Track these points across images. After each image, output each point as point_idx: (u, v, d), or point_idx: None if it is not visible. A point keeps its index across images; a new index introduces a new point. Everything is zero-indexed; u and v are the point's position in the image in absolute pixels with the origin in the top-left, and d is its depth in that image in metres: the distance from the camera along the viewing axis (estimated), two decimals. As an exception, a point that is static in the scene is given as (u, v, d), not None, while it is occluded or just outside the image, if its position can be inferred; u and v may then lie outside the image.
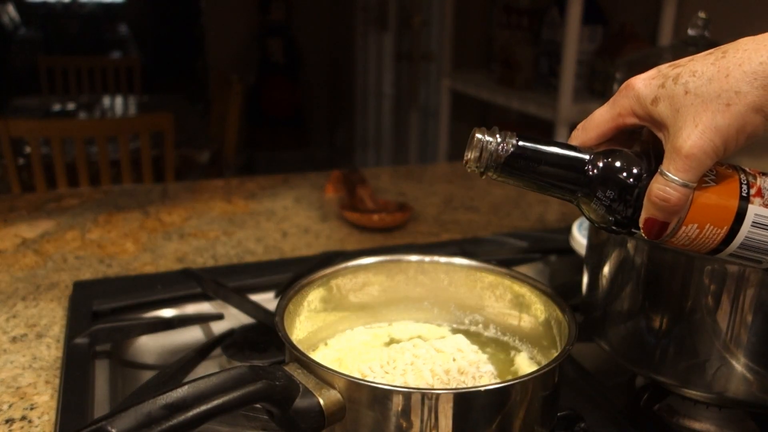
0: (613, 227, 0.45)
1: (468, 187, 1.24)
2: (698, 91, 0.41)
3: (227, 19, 4.61)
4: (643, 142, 0.46)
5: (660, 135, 0.43)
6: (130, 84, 3.55)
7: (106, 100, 3.30)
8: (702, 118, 0.40)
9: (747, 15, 1.65)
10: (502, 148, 0.44)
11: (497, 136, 0.44)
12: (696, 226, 0.43)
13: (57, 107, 2.94)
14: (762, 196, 0.43)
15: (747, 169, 0.45)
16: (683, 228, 0.43)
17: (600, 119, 0.46)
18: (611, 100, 0.46)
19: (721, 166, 0.44)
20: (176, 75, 5.23)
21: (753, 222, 0.43)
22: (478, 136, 0.44)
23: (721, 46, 0.42)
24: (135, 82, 3.54)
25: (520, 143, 0.44)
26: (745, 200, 0.43)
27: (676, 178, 0.41)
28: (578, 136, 0.47)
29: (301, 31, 4.73)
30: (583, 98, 1.94)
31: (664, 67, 0.43)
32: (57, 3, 6.30)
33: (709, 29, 0.85)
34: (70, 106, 2.99)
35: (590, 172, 0.44)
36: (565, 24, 1.83)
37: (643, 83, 0.44)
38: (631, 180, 0.43)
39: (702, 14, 0.85)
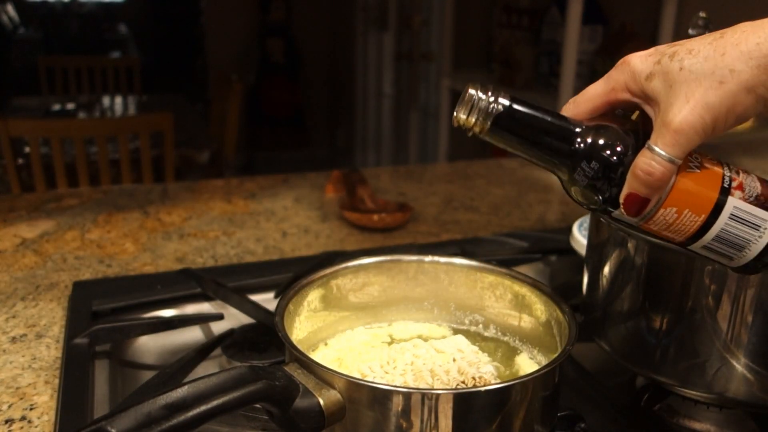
0: (593, 203, 0.45)
1: (468, 187, 1.24)
2: (693, 68, 0.41)
3: (227, 19, 4.61)
4: (633, 122, 0.45)
5: (650, 111, 0.44)
6: (130, 84, 3.55)
7: (106, 100, 3.30)
8: (694, 94, 0.41)
9: (747, 15, 1.64)
10: (493, 107, 0.44)
11: (490, 94, 0.44)
12: (675, 210, 0.43)
13: (56, 107, 2.94)
14: (743, 191, 0.43)
15: (731, 165, 0.45)
16: (662, 210, 0.43)
17: (593, 93, 0.46)
18: (606, 75, 0.46)
19: (707, 157, 0.44)
20: (176, 75, 5.23)
21: (731, 214, 0.43)
22: (471, 91, 0.44)
23: (721, 30, 0.42)
24: (135, 82, 3.54)
25: (512, 105, 0.44)
26: (726, 191, 0.43)
27: (663, 153, 0.41)
28: (569, 110, 0.47)
29: (301, 31, 4.73)
30: (583, 98, 1.94)
31: (662, 47, 0.44)
32: (57, 3, 6.30)
33: (709, 29, 0.85)
34: (70, 105, 2.99)
35: (577, 144, 0.44)
36: (565, 24, 1.83)
37: (639, 59, 0.44)
38: (617, 155, 0.43)
39: (702, 14, 0.85)
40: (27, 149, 2.05)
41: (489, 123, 0.44)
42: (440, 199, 1.16)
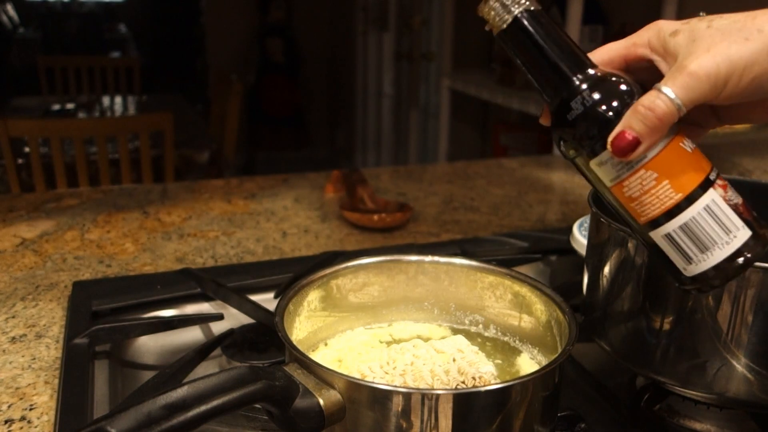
0: (576, 141, 0.43)
1: (468, 187, 1.24)
2: (721, 26, 0.41)
3: (227, 19, 4.62)
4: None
5: (665, 68, 0.43)
6: (130, 84, 3.55)
7: (106, 100, 3.30)
8: (717, 46, 0.40)
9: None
10: (518, 5, 0.43)
11: None
12: (655, 176, 0.41)
13: (56, 107, 2.94)
14: (725, 192, 0.42)
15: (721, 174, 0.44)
16: (642, 171, 0.42)
17: (612, 46, 0.46)
18: (632, 35, 0.46)
19: (701, 152, 0.43)
20: (176, 75, 5.24)
21: (707, 206, 0.41)
22: None
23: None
24: (134, 81, 3.54)
25: (535, 11, 0.43)
26: (709, 182, 0.42)
27: (671, 94, 0.41)
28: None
29: (301, 31, 4.74)
30: (583, 98, 1.94)
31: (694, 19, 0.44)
32: (56, 2, 6.30)
33: (709, 29, 0.85)
34: (70, 105, 2.99)
35: (586, 71, 0.43)
36: (566, 24, 1.83)
37: (668, 21, 0.44)
38: (622, 93, 0.42)
39: (702, 14, 0.84)
40: (27, 149, 2.05)
41: (509, 20, 0.43)
42: (440, 199, 1.16)
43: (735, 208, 0.42)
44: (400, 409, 0.44)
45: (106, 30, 6.25)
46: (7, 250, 0.92)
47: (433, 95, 3.39)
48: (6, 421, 0.57)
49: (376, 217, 1.00)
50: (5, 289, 0.81)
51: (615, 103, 0.42)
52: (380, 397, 0.44)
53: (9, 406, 0.59)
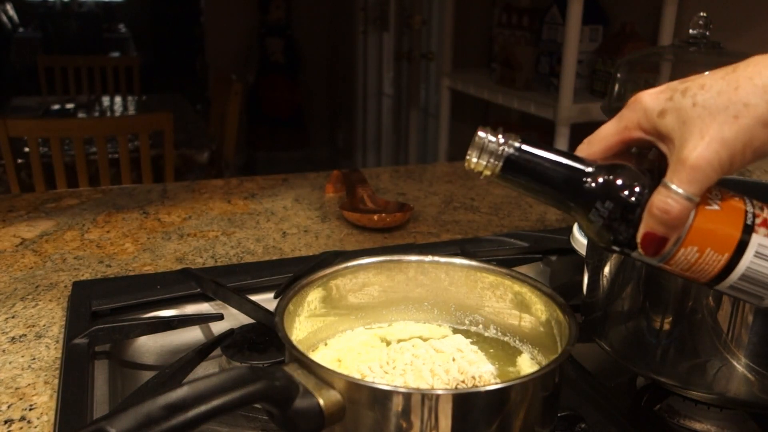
0: (612, 244, 0.44)
1: (468, 187, 1.24)
2: (706, 104, 0.40)
3: (227, 19, 4.62)
4: (650, 161, 0.44)
5: (665, 149, 0.43)
6: (130, 84, 3.55)
7: (105, 100, 3.30)
8: (709, 130, 0.40)
9: (747, 15, 1.65)
10: (503, 149, 0.43)
11: (500, 137, 0.44)
12: (696, 249, 0.41)
13: (56, 107, 2.94)
14: (767, 227, 0.42)
15: (754, 201, 0.43)
16: (682, 250, 0.42)
17: (605, 132, 0.45)
18: (618, 114, 0.45)
19: (728, 193, 0.43)
20: (176, 75, 5.24)
21: (756, 252, 0.41)
22: (481, 134, 0.44)
23: (732, 64, 0.41)
24: (134, 81, 3.55)
25: (522, 147, 0.43)
26: (749, 228, 0.41)
27: (680, 190, 0.40)
28: (583, 150, 0.46)
29: (301, 31, 4.73)
30: (584, 98, 1.94)
31: (673, 83, 0.43)
32: (56, 2, 6.30)
33: (709, 29, 0.85)
34: (69, 105, 2.99)
35: (590, 184, 0.43)
36: (566, 24, 1.83)
37: (650, 97, 0.43)
38: (632, 194, 0.42)
39: (703, 14, 0.85)
40: (27, 149, 2.05)
41: (500, 166, 0.43)
42: (440, 199, 1.16)
43: None
44: (400, 409, 0.44)
45: (105, 30, 6.25)
46: (7, 250, 0.92)
47: (433, 95, 3.40)
48: (6, 421, 0.57)
49: (376, 217, 1.00)
50: (5, 289, 0.80)
51: (629, 204, 0.42)
52: (380, 397, 0.44)
53: (9, 406, 0.59)
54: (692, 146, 0.40)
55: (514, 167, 0.43)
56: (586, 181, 0.43)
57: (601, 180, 0.43)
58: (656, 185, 0.42)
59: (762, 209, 0.43)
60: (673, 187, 0.40)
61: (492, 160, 0.43)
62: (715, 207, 0.42)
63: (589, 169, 0.43)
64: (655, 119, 0.42)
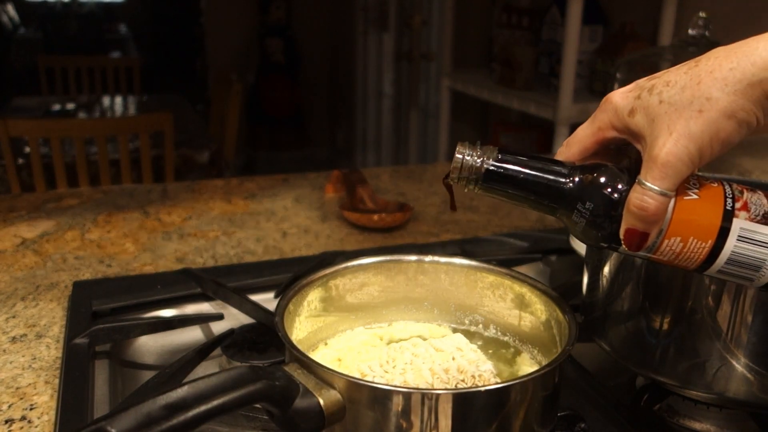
0: (598, 241, 0.45)
1: (468, 187, 1.24)
2: (671, 100, 0.41)
3: (227, 19, 4.62)
4: (629, 158, 0.46)
5: (639, 146, 0.44)
6: (130, 84, 3.55)
7: (106, 100, 3.30)
8: (676, 126, 0.41)
9: (747, 15, 1.65)
10: (482, 162, 0.45)
11: (478, 150, 0.45)
12: (679, 239, 0.43)
13: (56, 107, 2.94)
14: (748, 210, 0.43)
15: (733, 184, 0.44)
16: (666, 241, 0.43)
17: (581, 135, 0.47)
18: (592, 116, 0.46)
19: (707, 180, 0.44)
20: (176, 75, 5.24)
21: (739, 236, 0.42)
22: (459, 149, 0.45)
23: (696, 58, 0.42)
24: (134, 81, 3.55)
25: (500, 157, 0.45)
26: (729, 214, 0.42)
27: (654, 187, 0.41)
28: (563, 152, 0.47)
29: (301, 31, 4.73)
30: (584, 98, 1.94)
31: (641, 81, 0.44)
32: (57, 3, 6.30)
33: (709, 29, 0.85)
34: (70, 105, 2.99)
35: (570, 187, 0.44)
36: (566, 24, 1.83)
37: (620, 96, 0.44)
38: (611, 193, 0.43)
39: (702, 14, 0.85)
40: (27, 149, 2.05)
41: (480, 180, 0.45)
42: (440, 199, 1.16)
43: (764, 220, 0.43)
44: (400, 408, 0.44)
45: (106, 30, 6.25)
46: (7, 250, 0.92)
47: (433, 95, 3.39)
48: (6, 421, 0.57)
49: (376, 217, 1.00)
50: (6, 289, 0.81)
51: (610, 203, 0.43)
52: (380, 397, 0.44)
53: (9, 406, 0.59)
54: (661, 143, 0.41)
55: (495, 179, 0.45)
56: (566, 184, 0.45)
57: (579, 182, 0.44)
58: (633, 181, 0.43)
59: (742, 192, 0.44)
60: (648, 184, 0.42)
61: (473, 176, 0.45)
62: (694, 196, 0.43)
63: (568, 172, 0.45)
64: (625, 118, 0.44)
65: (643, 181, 0.42)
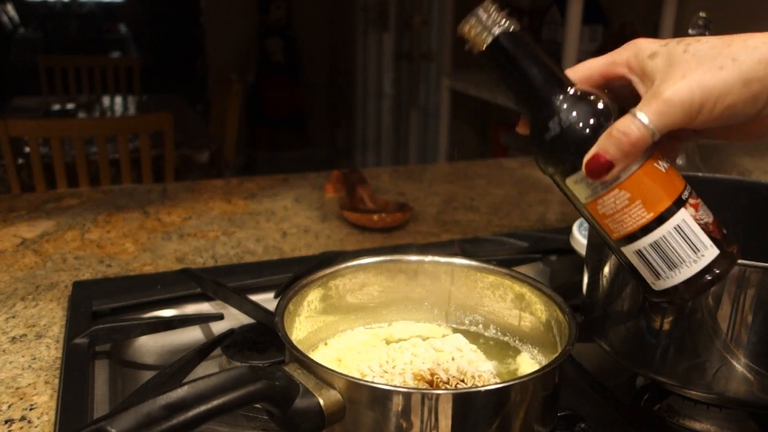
0: (552, 162, 0.44)
1: (468, 187, 1.24)
2: (697, 52, 0.42)
3: (227, 19, 4.61)
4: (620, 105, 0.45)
5: (642, 89, 0.44)
6: (130, 84, 3.55)
7: (106, 100, 3.30)
8: (692, 74, 0.41)
9: (747, 15, 1.65)
10: (498, 25, 0.43)
11: (501, 15, 0.44)
12: (628, 196, 0.42)
13: (56, 107, 2.94)
14: (697, 211, 0.43)
15: (694, 191, 0.44)
16: (615, 191, 0.42)
17: (592, 64, 0.47)
18: (611, 52, 0.46)
19: (676, 171, 0.44)
20: (176, 75, 5.23)
21: (677, 225, 0.42)
22: (483, 6, 0.44)
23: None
24: (134, 81, 3.54)
25: (516, 32, 0.44)
26: (681, 202, 0.42)
27: (645, 120, 0.41)
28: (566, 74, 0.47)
29: (301, 31, 4.73)
30: (583, 98, 1.94)
31: (674, 39, 0.44)
32: (57, 3, 6.30)
33: (709, 29, 0.85)
34: (70, 105, 2.99)
35: (565, 90, 0.44)
36: (566, 24, 1.83)
37: (646, 40, 0.45)
38: (600, 113, 0.43)
39: (702, 14, 0.85)
40: (27, 149, 2.05)
41: (488, 41, 0.44)
42: (440, 199, 1.16)
43: (705, 227, 0.43)
44: (400, 408, 0.44)
45: (106, 30, 6.25)
46: (7, 250, 0.92)
47: (433, 95, 3.39)
48: (6, 421, 0.57)
49: (376, 217, 1.00)
50: (5, 289, 0.81)
51: (591, 125, 0.43)
52: (380, 397, 0.44)
53: (9, 406, 0.59)
54: (671, 83, 0.41)
55: (501, 48, 0.44)
56: (560, 87, 0.44)
57: (576, 92, 0.44)
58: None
59: (697, 199, 0.44)
60: (640, 115, 0.42)
61: (484, 34, 0.44)
62: (662, 168, 0.43)
63: (570, 81, 0.44)
64: (644, 59, 0.44)
65: (637, 112, 0.42)
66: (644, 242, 0.43)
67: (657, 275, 0.44)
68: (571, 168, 0.44)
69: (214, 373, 0.41)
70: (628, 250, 0.44)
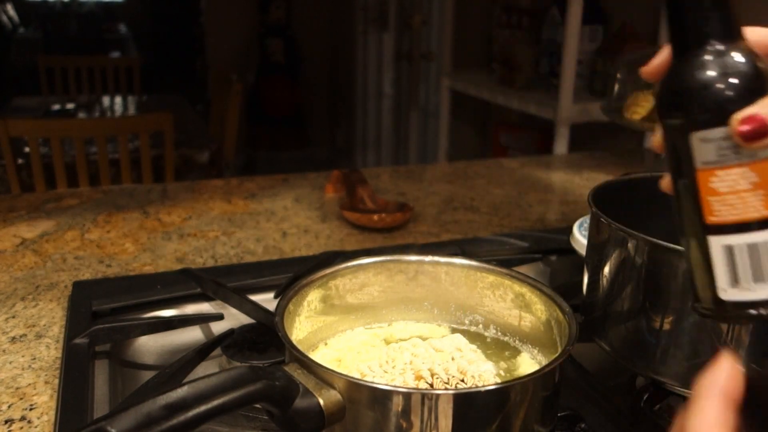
0: (692, 105, 0.37)
1: (468, 187, 1.24)
2: None
3: (227, 19, 4.61)
4: None
5: None
6: (130, 84, 3.55)
7: (106, 100, 3.30)
8: None
9: (747, 15, 1.64)
10: None
11: None
12: (756, 180, 0.36)
13: (56, 107, 2.94)
14: None
15: None
16: (745, 168, 0.36)
17: (764, 30, 0.41)
18: None
19: None
20: (176, 75, 5.24)
21: None
22: None
23: None
24: (134, 81, 3.54)
25: None
26: None
27: None
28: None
29: (301, 31, 4.73)
30: (584, 98, 1.94)
31: None
32: (57, 3, 6.30)
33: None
34: (70, 105, 2.99)
35: (737, 38, 0.38)
36: (566, 24, 1.83)
37: None
38: (764, 77, 0.37)
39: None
40: (27, 149, 2.05)
41: None
42: (440, 199, 1.16)
43: None
44: (400, 408, 0.44)
45: (106, 30, 6.25)
46: (7, 250, 0.92)
47: (433, 95, 3.39)
48: (6, 421, 0.57)
49: (376, 217, 1.00)
50: (5, 289, 0.81)
51: (754, 85, 0.36)
52: (380, 397, 0.44)
53: (9, 406, 0.59)
54: None
55: None
56: (734, 34, 0.38)
57: (745, 46, 0.38)
58: None
59: None
60: None
61: None
62: None
63: (741, 32, 0.39)
64: None
65: None
66: (744, 239, 0.36)
67: (735, 282, 0.37)
68: (709, 120, 0.37)
69: (214, 373, 0.41)
70: (717, 242, 0.37)
